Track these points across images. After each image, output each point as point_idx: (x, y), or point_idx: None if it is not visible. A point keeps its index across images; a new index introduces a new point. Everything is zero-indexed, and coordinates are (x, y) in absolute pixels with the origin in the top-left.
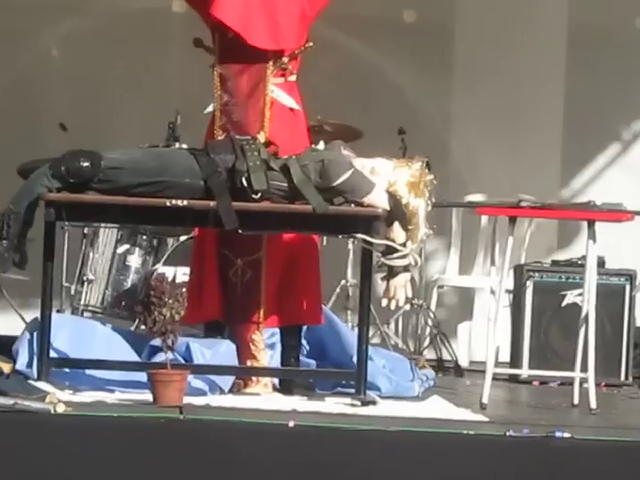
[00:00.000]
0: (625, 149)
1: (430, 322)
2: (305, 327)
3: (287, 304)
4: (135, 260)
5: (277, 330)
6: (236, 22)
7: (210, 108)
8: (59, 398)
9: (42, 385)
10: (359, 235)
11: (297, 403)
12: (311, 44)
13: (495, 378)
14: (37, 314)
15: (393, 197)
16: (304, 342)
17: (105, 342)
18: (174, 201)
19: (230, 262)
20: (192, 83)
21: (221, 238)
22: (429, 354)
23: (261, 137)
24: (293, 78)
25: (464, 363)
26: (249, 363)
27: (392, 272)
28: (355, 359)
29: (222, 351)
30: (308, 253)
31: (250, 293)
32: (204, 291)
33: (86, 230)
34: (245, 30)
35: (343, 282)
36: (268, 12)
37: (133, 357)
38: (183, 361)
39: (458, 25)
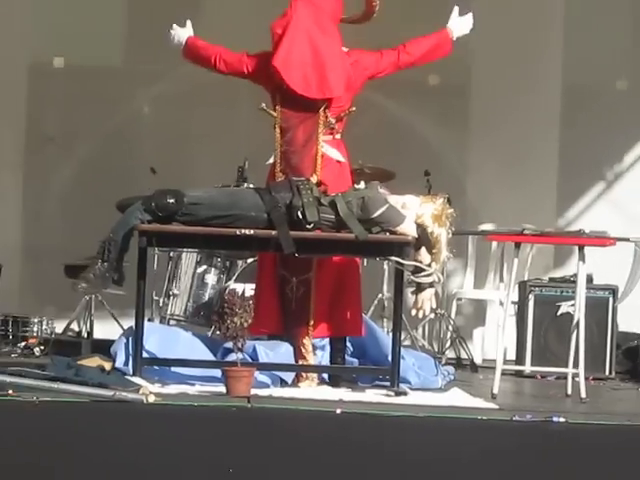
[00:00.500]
0: (609, 187)
1: (450, 328)
2: None
3: (335, 317)
4: (211, 278)
5: None
6: (297, 83)
7: (271, 160)
8: (150, 390)
9: (136, 380)
10: (393, 258)
11: (343, 394)
12: (354, 109)
13: (503, 373)
14: (132, 322)
15: (420, 227)
16: (348, 344)
17: (187, 345)
18: (243, 231)
19: (287, 280)
20: (257, 136)
21: (279, 261)
22: (450, 354)
23: (313, 179)
24: (339, 136)
25: (478, 361)
26: (300, 362)
27: (419, 287)
28: (390, 358)
29: (282, 352)
30: (352, 273)
31: (302, 306)
32: (265, 308)
33: (172, 254)
34: (303, 89)
35: (380, 295)
36: (319, 71)
37: (210, 357)
38: (250, 360)
39: (473, 87)
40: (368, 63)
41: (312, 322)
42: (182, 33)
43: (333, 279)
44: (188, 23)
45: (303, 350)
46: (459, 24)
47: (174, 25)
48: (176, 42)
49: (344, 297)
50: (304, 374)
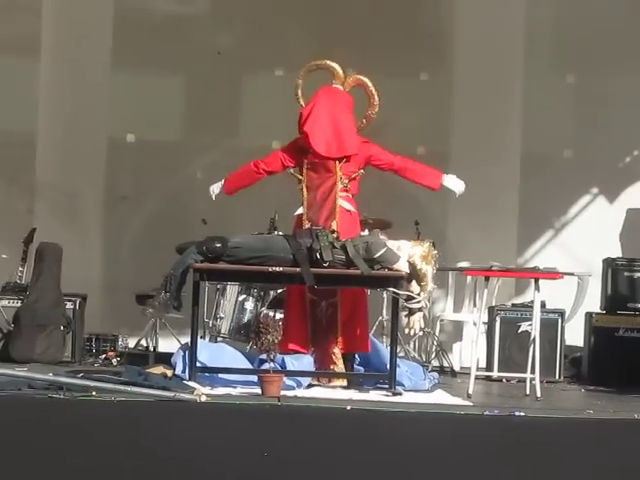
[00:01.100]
0: (557, 233)
1: (435, 342)
2: None
3: (348, 336)
4: (250, 305)
5: None
6: (321, 148)
7: (299, 211)
8: (202, 392)
9: (192, 384)
10: (390, 289)
11: (352, 394)
12: (362, 172)
13: (477, 378)
14: (188, 339)
15: (411, 265)
16: (356, 356)
17: (230, 357)
18: (274, 268)
19: (317, 304)
20: (284, 194)
21: (309, 289)
22: (435, 363)
23: (334, 225)
24: (351, 195)
25: (457, 368)
26: (332, 367)
27: (411, 311)
28: (388, 366)
29: (305, 362)
30: (361, 301)
31: (330, 323)
32: (294, 328)
33: (218, 286)
34: (326, 151)
35: (380, 318)
36: (338, 137)
37: (248, 366)
38: (280, 368)
39: (453, 155)
40: (374, 149)
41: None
42: (216, 184)
43: (348, 305)
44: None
45: (334, 357)
46: (453, 181)
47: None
48: (218, 190)
49: (355, 320)
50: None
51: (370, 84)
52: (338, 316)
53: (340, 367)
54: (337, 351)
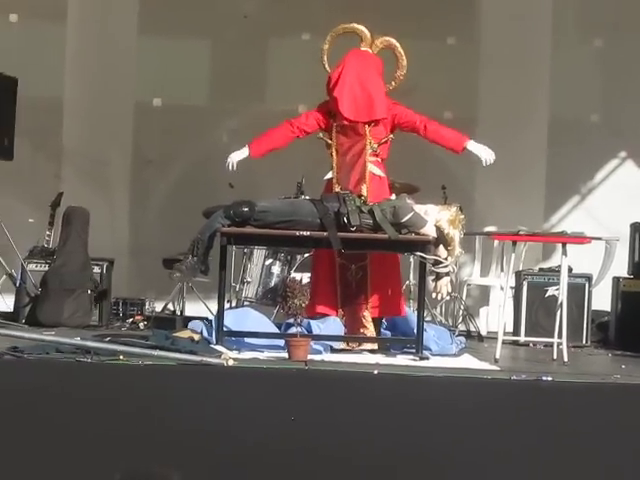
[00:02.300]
0: (583, 198)
1: (462, 307)
2: None
3: (380, 300)
4: (276, 269)
5: None
6: (350, 112)
7: (329, 175)
8: (229, 356)
9: (219, 348)
10: (417, 253)
11: (379, 358)
12: (392, 136)
13: (504, 342)
14: (215, 303)
15: (439, 229)
16: (384, 320)
17: (257, 321)
18: (301, 232)
19: (347, 267)
20: (311, 157)
21: (338, 253)
22: (461, 327)
23: (364, 189)
24: (380, 159)
25: (484, 333)
26: (362, 331)
27: (438, 276)
28: (415, 331)
29: (331, 325)
30: (394, 265)
31: (361, 286)
32: (322, 292)
33: (245, 250)
34: (355, 116)
35: (407, 282)
36: (367, 101)
37: (275, 330)
38: (306, 332)
39: (480, 120)
40: (398, 108)
41: (370, 300)
42: (236, 153)
43: (379, 269)
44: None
45: (364, 321)
46: (479, 147)
47: (229, 156)
48: (240, 157)
49: (387, 284)
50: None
51: (398, 45)
52: (368, 280)
53: (371, 331)
54: (367, 314)
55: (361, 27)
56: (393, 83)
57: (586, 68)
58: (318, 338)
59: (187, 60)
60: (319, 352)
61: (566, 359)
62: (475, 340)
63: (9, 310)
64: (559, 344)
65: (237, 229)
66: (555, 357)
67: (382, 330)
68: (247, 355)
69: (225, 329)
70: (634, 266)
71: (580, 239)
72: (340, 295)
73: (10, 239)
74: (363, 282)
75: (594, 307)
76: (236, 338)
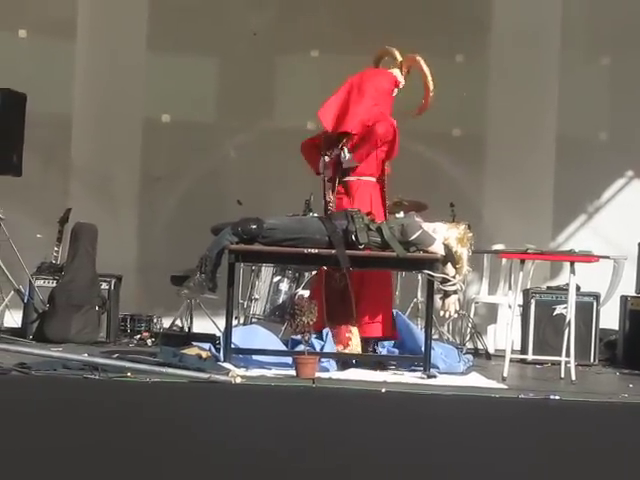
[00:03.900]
0: (590, 217)
1: (469, 325)
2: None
3: (371, 320)
4: (284, 286)
5: None
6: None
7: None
8: (237, 373)
9: (226, 365)
10: (425, 271)
11: (387, 376)
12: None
13: (511, 361)
14: (222, 320)
15: (447, 247)
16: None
17: (265, 338)
18: (309, 250)
19: (332, 275)
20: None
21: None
22: (469, 345)
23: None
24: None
25: (491, 351)
26: (347, 342)
27: (446, 294)
28: (422, 348)
29: (329, 340)
30: (383, 285)
31: (345, 299)
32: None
33: (254, 267)
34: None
35: (415, 300)
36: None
37: (282, 347)
38: (314, 350)
39: (489, 138)
40: (378, 131)
41: (359, 318)
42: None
43: (371, 287)
44: None
45: (349, 335)
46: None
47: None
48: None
49: (379, 303)
50: (349, 342)
51: (420, 60)
52: (351, 290)
53: (355, 343)
54: (355, 330)
55: (392, 49)
56: (423, 101)
57: (594, 86)
58: (326, 356)
59: (196, 77)
60: (327, 370)
61: (574, 378)
62: (483, 358)
63: (17, 326)
64: (567, 362)
65: (245, 246)
66: (563, 376)
67: (390, 348)
68: (255, 372)
69: (233, 346)
70: None
71: (588, 258)
72: (326, 308)
73: (18, 255)
74: (347, 294)
75: (602, 326)
76: (244, 355)
